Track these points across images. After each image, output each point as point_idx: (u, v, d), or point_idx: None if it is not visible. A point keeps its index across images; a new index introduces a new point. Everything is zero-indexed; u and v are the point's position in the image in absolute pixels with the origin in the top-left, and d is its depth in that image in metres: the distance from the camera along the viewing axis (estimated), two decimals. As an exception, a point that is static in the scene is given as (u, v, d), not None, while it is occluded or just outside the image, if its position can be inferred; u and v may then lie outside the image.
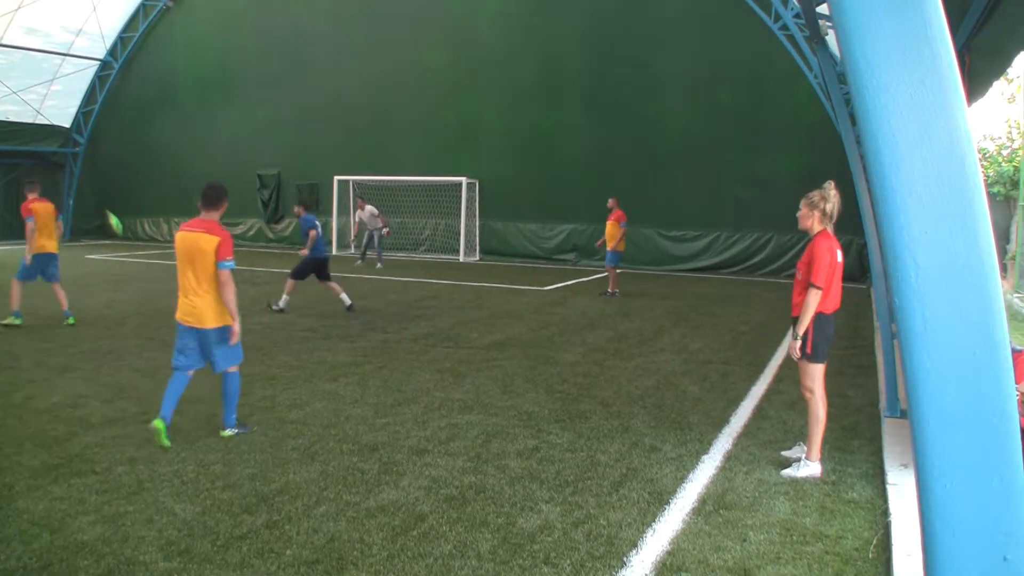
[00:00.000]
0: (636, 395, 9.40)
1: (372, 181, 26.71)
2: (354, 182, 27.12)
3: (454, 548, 5.25)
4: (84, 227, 34.36)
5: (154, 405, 8.52)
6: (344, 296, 15.21)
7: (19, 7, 28.58)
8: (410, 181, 26.51)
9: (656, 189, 23.85)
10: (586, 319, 14.98)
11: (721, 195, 23.25)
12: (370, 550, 5.22)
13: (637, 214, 21.61)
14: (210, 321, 7.25)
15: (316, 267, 15.11)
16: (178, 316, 7.35)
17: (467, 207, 26.23)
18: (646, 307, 16.57)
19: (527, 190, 25.49)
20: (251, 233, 31.56)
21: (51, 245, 13.34)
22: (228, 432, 7.57)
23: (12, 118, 32.11)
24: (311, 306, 15.63)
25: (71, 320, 13.43)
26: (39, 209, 13.14)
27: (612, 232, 17.42)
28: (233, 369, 7.60)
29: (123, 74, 33.83)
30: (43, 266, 13.29)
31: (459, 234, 26.46)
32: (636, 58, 23.81)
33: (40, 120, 33.12)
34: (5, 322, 13.09)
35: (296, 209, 15.69)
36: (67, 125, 34.26)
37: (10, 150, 32.26)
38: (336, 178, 28.00)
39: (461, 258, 26.22)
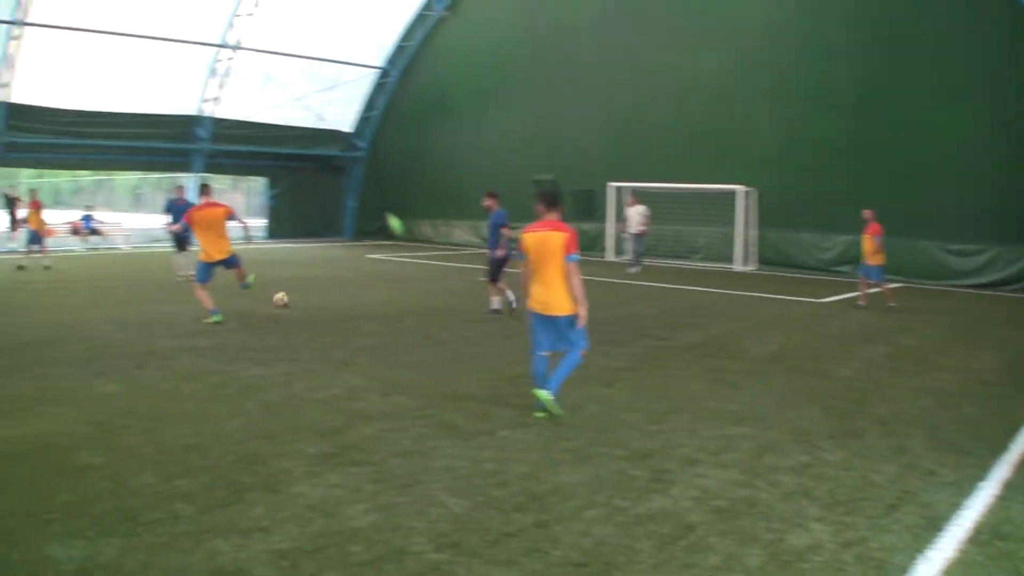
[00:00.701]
0: (913, 415, 9.00)
1: (647, 188, 26.63)
2: (629, 189, 27.17)
3: (721, 561, 5.19)
4: (365, 228, 36.72)
5: (429, 401, 9.04)
6: (497, 300, 15.23)
7: (301, 18, 31.20)
8: (686, 188, 26.22)
9: (934, 200, 22.49)
10: (863, 333, 14.56)
11: (1005, 208, 21.52)
12: (637, 557, 5.23)
13: (913, 226, 21.37)
14: (561, 309, 8.24)
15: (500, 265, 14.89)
16: (532, 305, 8.40)
17: (743, 216, 25.70)
18: (925, 323, 15.90)
19: (803, 199, 24.60)
20: (526, 237, 32.32)
21: (218, 252, 14.08)
22: (545, 394, 8.26)
23: (296, 123, 34.84)
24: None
25: (217, 319, 13.96)
26: (197, 218, 14.05)
27: (868, 246, 17.10)
28: (582, 352, 8.47)
29: (402, 81, 35.88)
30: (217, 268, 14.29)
31: (734, 243, 25.98)
32: (909, 63, 22.71)
33: (322, 125, 35.73)
34: (209, 320, 14.04)
35: (487, 202, 15.12)
36: (349, 130, 36.84)
37: (294, 153, 35.14)
38: (611, 185, 28.18)
39: (736, 267, 25.74)
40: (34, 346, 11.76)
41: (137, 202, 62.81)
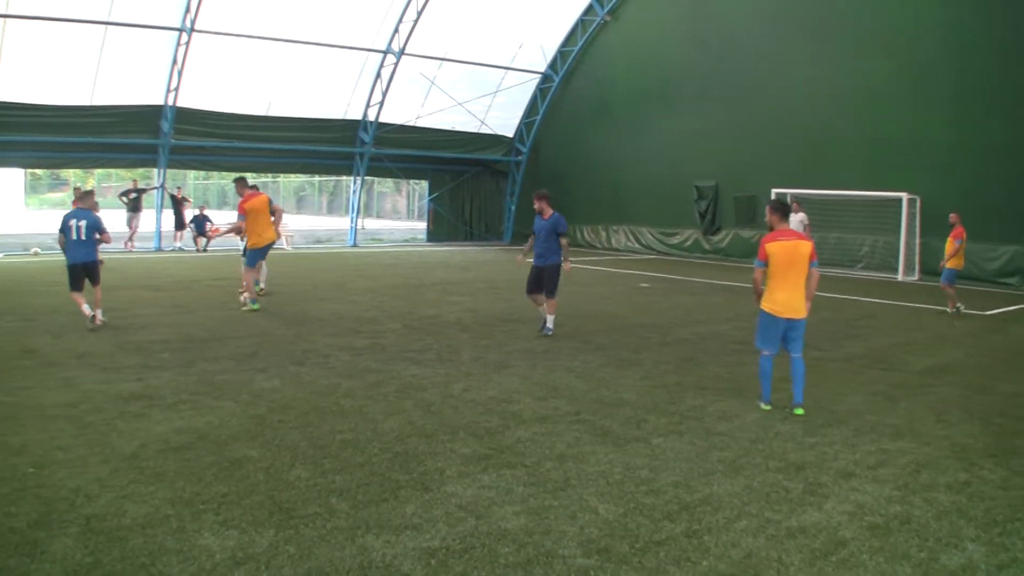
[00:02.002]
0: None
1: (810, 195, 25.88)
2: (791, 195, 26.46)
3: (872, 578, 5.12)
4: (526, 232, 36.94)
5: (587, 406, 9.07)
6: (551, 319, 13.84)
7: (463, 24, 31.74)
8: (848, 195, 25.37)
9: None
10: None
11: None
12: (787, 571, 5.18)
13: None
14: (802, 312, 8.90)
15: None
16: (771, 308, 8.93)
17: (907, 224, 24.68)
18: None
19: (969, 207, 23.31)
20: (688, 244, 32.00)
21: (266, 238, 15.71)
22: (800, 411, 8.89)
23: (459, 128, 35.54)
24: (740, 318, 15.43)
25: (255, 306, 15.35)
26: (248, 207, 15.58)
27: (950, 249, 17.21)
28: (798, 355, 9.01)
29: (563, 86, 36.06)
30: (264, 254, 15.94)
31: (898, 252, 24.98)
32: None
33: (484, 130, 36.30)
34: (246, 308, 15.30)
35: (539, 204, 13.58)
36: (510, 135, 37.23)
37: (457, 157, 35.80)
38: (773, 191, 27.52)
39: (899, 277, 24.74)
40: (199, 342, 12.29)
41: (301, 204, 65.36)
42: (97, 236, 13.48)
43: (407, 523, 5.69)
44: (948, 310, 17.36)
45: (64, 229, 13.37)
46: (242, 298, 15.72)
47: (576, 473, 6.81)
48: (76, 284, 13.44)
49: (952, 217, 17.48)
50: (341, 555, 5.18)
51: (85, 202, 13.80)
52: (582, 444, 7.61)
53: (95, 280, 13.54)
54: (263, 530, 5.53)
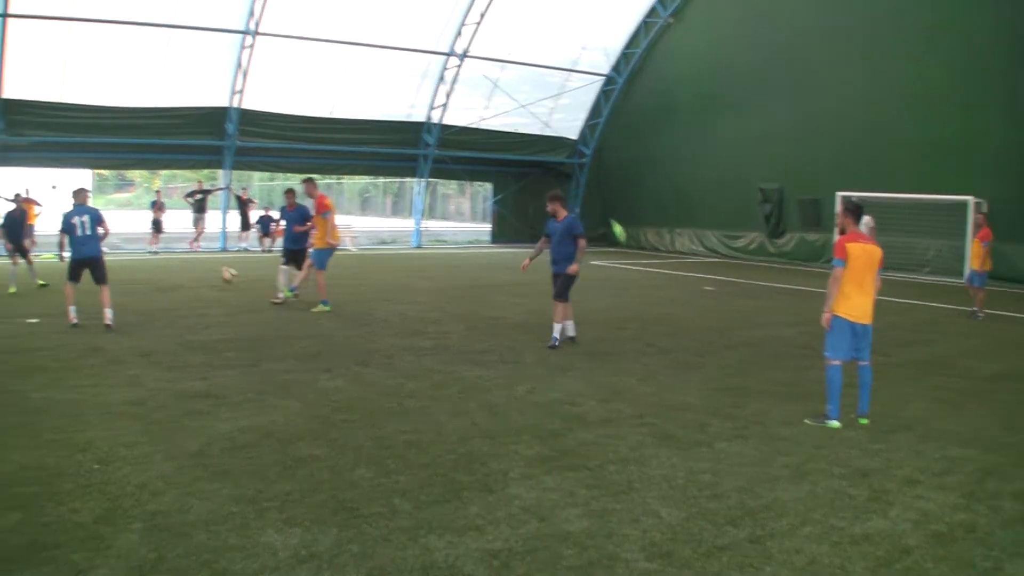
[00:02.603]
0: None
1: (874, 198, 25.38)
2: (857, 198, 26.02)
3: (936, 587, 5.04)
4: (589, 234, 36.87)
5: (650, 409, 9.04)
6: (573, 325, 13.24)
7: (526, 27, 31.80)
8: (913, 199, 24.90)
9: None
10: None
11: None
12: None
13: None
14: (871, 317, 8.77)
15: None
16: (846, 313, 8.67)
17: (973, 228, 24.12)
18: None
19: None
20: (752, 247, 31.70)
21: (336, 237, 16.32)
22: (864, 420, 8.70)
23: (522, 130, 35.56)
24: (805, 322, 15.26)
25: (327, 308, 15.54)
26: (330, 204, 15.93)
27: (977, 250, 17.16)
28: (867, 362, 8.85)
29: (626, 88, 35.95)
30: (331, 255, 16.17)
31: (964, 256, 24.43)
32: None
33: (548, 132, 36.25)
34: (327, 308, 15.46)
35: (552, 206, 12.92)
36: (574, 137, 37.16)
37: (521, 160, 35.85)
38: (838, 194, 27.12)
39: (965, 281, 24.14)
40: (264, 342, 12.46)
41: (365, 205, 65.97)
42: (100, 231, 13.64)
43: (470, 524, 5.71)
44: (978, 311, 17.01)
45: (68, 228, 13.49)
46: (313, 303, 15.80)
47: (639, 476, 6.79)
48: (75, 276, 13.58)
49: (979, 218, 17.30)
50: (403, 555, 5.21)
51: (82, 199, 13.83)
52: (645, 447, 7.58)
53: (102, 278, 13.57)
54: (326, 529, 5.58)
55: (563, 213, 12.88)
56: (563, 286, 12.69)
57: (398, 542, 5.40)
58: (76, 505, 5.93)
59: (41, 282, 17.79)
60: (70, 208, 13.73)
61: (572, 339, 12.99)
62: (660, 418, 8.66)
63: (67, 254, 13.79)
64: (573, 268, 12.57)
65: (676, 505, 6.19)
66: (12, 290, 17.12)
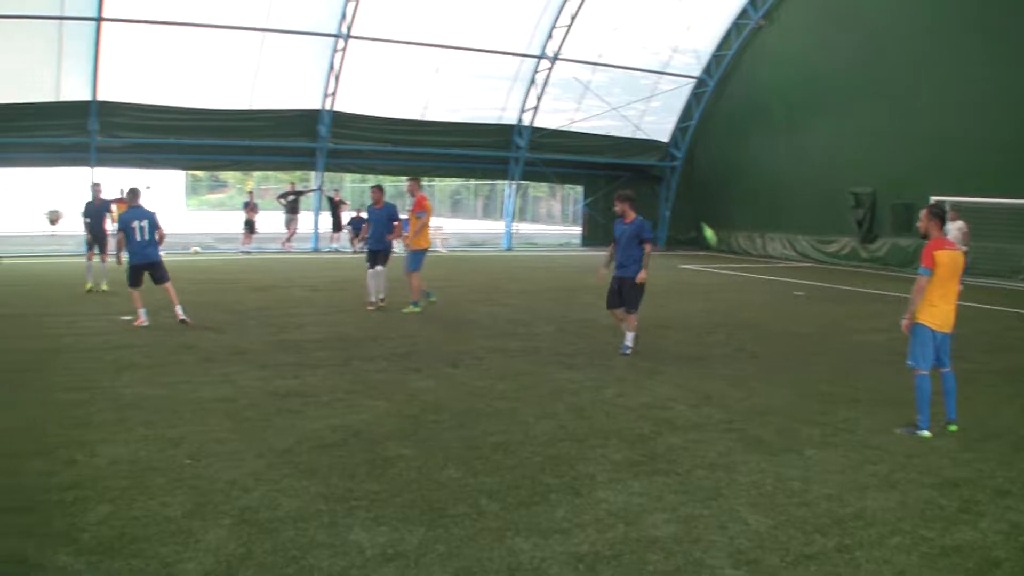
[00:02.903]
0: None
1: (968, 203, 24.65)
2: (950, 203, 25.36)
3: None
4: (679, 238, 36.64)
5: (739, 415, 8.95)
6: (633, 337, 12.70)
7: (616, 29, 31.73)
8: (1009, 204, 24.10)
9: None
10: None
11: None
12: None
13: None
14: (952, 326, 8.62)
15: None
16: (931, 322, 8.52)
17: None
18: None
19: None
20: (844, 252, 31.05)
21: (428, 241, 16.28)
22: (954, 427, 8.55)
23: (613, 132, 35.44)
24: (896, 328, 14.85)
25: (428, 302, 15.81)
26: (428, 205, 15.93)
27: None
28: (950, 368, 8.71)
29: (718, 91, 35.57)
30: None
31: None
32: None
33: (639, 135, 36.03)
34: (416, 308, 15.56)
35: (619, 206, 12.29)
36: (665, 140, 36.90)
37: (610, 163, 35.71)
38: (932, 198, 26.45)
39: None
40: (354, 341, 12.62)
41: (456, 207, 66.41)
42: (156, 236, 13.60)
43: (556, 527, 5.70)
44: None
45: (127, 229, 13.43)
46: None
47: (727, 482, 6.72)
48: (136, 281, 13.60)
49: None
50: (489, 556, 5.22)
51: (136, 200, 13.80)
52: (734, 453, 7.51)
53: (163, 278, 13.68)
54: (413, 528, 5.61)
55: (632, 215, 12.14)
56: (633, 297, 12.08)
57: (484, 543, 5.41)
58: (166, 499, 6.06)
59: (104, 287, 17.41)
60: (128, 209, 13.76)
61: (627, 350, 12.21)
62: (749, 423, 8.57)
63: (124, 256, 13.90)
64: (641, 276, 11.88)
65: (764, 512, 6.12)
66: (89, 287, 17.38)
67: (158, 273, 13.70)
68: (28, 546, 5.27)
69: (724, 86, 35.30)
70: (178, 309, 13.67)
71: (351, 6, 27.13)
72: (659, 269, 24.77)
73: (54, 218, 15.43)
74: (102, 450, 7.16)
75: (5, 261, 23.33)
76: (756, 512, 6.11)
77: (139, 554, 5.18)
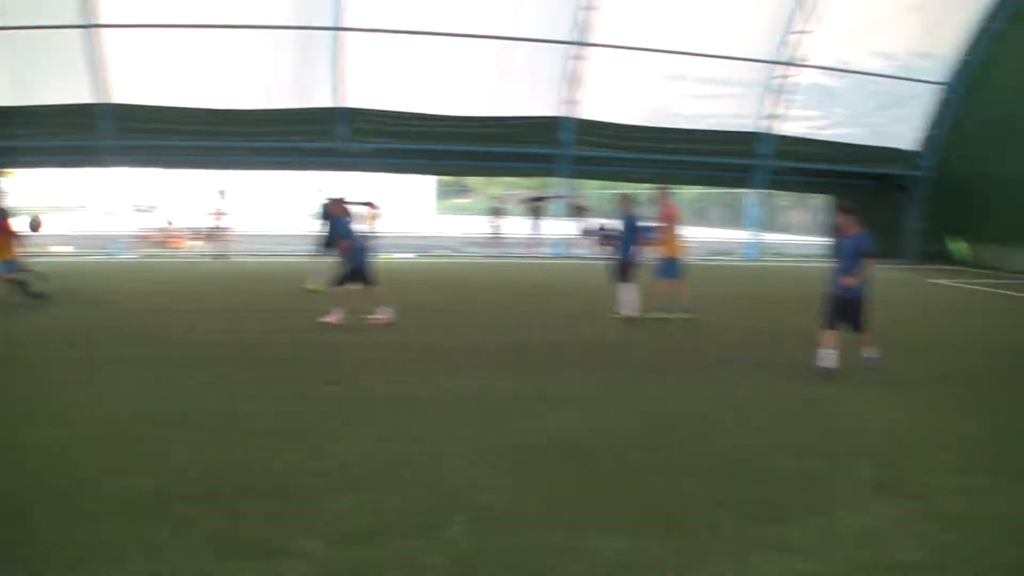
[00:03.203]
0: None
1: None
2: None
3: None
4: (927, 250, 34.80)
5: (991, 443, 8.43)
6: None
7: (857, 35, 30.62)
8: None
9: None
10: None
11: None
12: None
13: None
14: None
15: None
16: None
17: None
18: None
19: None
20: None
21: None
22: None
23: (856, 140, 34.05)
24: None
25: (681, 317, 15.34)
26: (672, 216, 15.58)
27: None
28: None
29: (967, 97, 33.55)
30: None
31: None
32: None
33: (883, 143, 34.46)
34: (669, 316, 15.31)
35: (840, 219, 11.61)
36: (910, 148, 35.10)
37: (852, 171, 34.14)
38: None
39: None
40: (600, 346, 12.78)
41: (698, 215, 65.67)
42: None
43: (796, 545, 5.64)
44: None
45: (351, 236, 14.17)
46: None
47: (977, 511, 6.42)
48: (353, 282, 14.11)
49: None
50: (725, 570, 5.24)
51: (339, 209, 14.48)
52: (983, 480, 7.13)
53: (371, 281, 14.17)
54: (651, 536, 5.70)
55: (854, 228, 11.48)
56: (855, 314, 11.28)
57: (721, 556, 5.44)
58: (409, 492, 6.39)
59: (311, 287, 17.81)
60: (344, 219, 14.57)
61: (826, 370, 11.33)
62: (1001, 450, 8.14)
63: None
64: (848, 280, 11.09)
65: (1014, 543, 5.85)
66: (310, 287, 17.86)
67: (369, 276, 14.24)
68: (273, 530, 5.68)
69: (973, 93, 33.23)
70: (378, 311, 14.13)
71: (590, 15, 27.66)
72: (900, 284, 23.77)
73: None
74: (349, 445, 7.58)
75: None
76: (1006, 542, 5.86)
77: (384, 546, 5.48)
